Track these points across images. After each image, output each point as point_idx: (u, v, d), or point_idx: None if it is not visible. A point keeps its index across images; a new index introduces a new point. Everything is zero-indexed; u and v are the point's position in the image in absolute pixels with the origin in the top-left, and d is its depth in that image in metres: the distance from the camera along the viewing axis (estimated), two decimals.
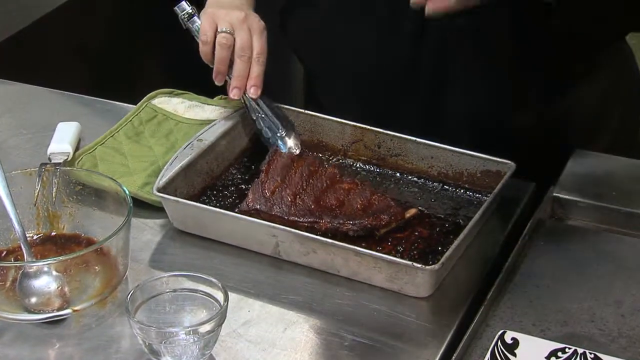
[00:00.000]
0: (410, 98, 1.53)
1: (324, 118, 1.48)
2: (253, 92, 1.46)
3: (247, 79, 1.46)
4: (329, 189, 1.36)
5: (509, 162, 1.38)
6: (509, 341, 1.15)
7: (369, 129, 1.45)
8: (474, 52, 1.44)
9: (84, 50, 2.31)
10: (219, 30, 1.45)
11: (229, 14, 1.46)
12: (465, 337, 1.16)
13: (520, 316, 1.21)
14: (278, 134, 1.45)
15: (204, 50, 1.47)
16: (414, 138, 1.43)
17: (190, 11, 1.51)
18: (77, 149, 1.50)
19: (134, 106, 1.59)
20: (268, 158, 1.40)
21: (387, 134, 1.44)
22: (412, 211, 1.34)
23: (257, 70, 1.46)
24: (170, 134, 1.53)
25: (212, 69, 1.47)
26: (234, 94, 1.46)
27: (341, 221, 1.30)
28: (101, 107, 1.65)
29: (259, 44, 1.46)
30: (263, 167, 1.39)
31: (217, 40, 1.45)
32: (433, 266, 1.21)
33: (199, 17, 1.50)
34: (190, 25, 1.51)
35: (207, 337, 1.13)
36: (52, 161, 1.42)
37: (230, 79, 1.47)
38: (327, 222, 1.30)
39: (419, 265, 1.21)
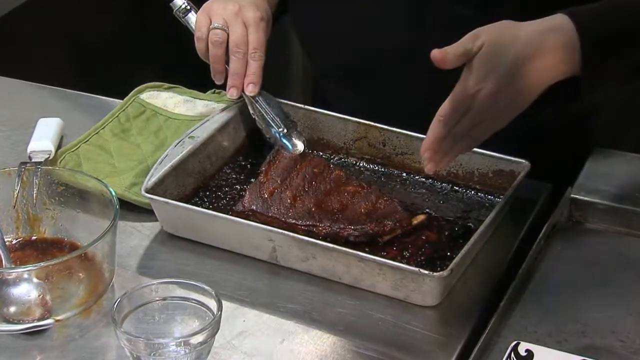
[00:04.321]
0: (417, 93, 1.53)
1: (324, 114, 1.49)
2: (250, 89, 1.46)
3: (244, 76, 1.46)
4: (332, 191, 1.36)
5: (524, 161, 1.38)
6: (523, 353, 1.16)
7: (373, 126, 1.46)
8: None
9: (66, 41, 2.31)
10: (211, 26, 1.46)
11: (223, 7, 1.47)
12: (476, 349, 1.16)
13: (535, 326, 1.21)
14: (280, 133, 1.45)
15: (199, 47, 1.48)
16: (421, 135, 1.42)
17: (185, 6, 1.52)
18: (59, 146, 1.50)
19: (120, 101, 1.60)
20: (269, 158, 1.40)
21: (392, 131, 1.45)
22: (420, 217, 1.34)
23: (254, 66, 1.46)
24: (159, 130, 1.53)
25: (208, 64, 1.48)
26: (231, 93, 1.47)
27: (342, 226, 1.31)
28: (85, 102, 1.65)
29: (254, 38, 1.46)
30: (263, 168, 1.39)
31: (209, 38, 1.46)
32: (441, 273, 1.21)
33: (195, 12, 1.51)
34: (185, 21, 1.52)
35: (199, 348, 1.13)
36: (33, 160, 1.43)
37: None
38: (327, 226, 1.30)
39: (427, 272, 1.21)
